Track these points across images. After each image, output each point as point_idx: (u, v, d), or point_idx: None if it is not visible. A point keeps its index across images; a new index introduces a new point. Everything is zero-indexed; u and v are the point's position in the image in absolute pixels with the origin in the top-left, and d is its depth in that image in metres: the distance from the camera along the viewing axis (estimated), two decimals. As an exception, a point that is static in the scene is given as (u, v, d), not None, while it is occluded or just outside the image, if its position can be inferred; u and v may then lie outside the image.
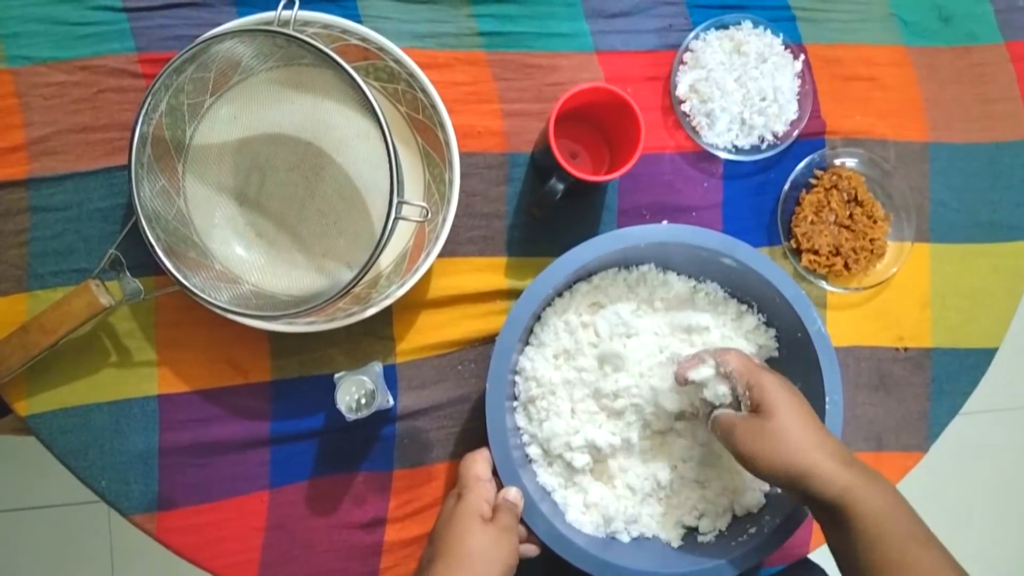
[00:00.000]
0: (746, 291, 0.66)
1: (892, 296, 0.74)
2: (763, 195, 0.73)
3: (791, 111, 0.72)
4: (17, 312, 0.64)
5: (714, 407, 0.59)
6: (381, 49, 0.63)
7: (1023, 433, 1.50)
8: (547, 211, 0.65)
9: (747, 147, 0.72)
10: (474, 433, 0.68)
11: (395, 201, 0.55)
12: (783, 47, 0.72)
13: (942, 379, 0.74)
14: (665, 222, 0.71)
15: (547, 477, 0.64)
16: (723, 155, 0.71)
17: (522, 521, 0.59)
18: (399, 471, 0.67)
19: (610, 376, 0.63)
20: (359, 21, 0.65)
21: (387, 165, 0.55)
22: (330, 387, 0.59)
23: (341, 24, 0.62)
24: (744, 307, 0.67)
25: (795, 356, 0.64)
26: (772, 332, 0.66)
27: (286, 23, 0.56)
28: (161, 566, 1.23)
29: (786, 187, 0.72)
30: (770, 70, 0.71)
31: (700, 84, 0.70)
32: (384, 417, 0.67)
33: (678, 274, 0.67)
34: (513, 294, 0.69)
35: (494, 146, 0.69)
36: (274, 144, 0.65)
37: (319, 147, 0.65)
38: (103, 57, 0.65)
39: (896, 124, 0.75)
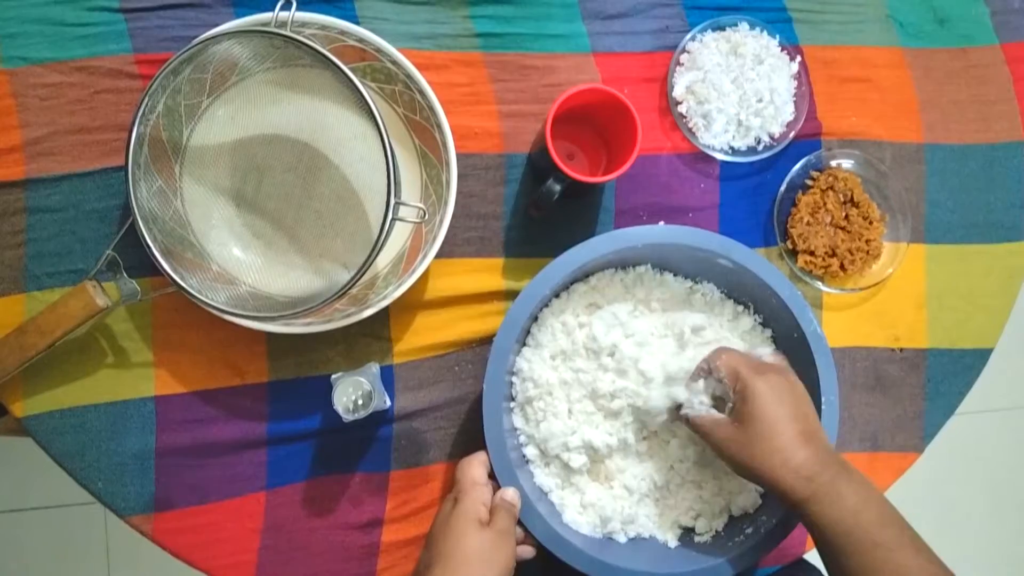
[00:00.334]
0: (742, 292, 0.66)
1: (888, 297, 0.74)
2: (759, 196, 0.73)
3: (787, 112, 0.72)
4: (14, 313, 0.64)
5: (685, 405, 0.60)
6: (378, 50, 0.63)
7: (1018, 433, 1.51)
8: (544, 212, 0.65)
9: (743, 148, 0.72)
10: (471, 434, 0.68)
11: (392, 202, 0.55)
12: (780, 48, 0.72)
13: (938, 379, 0.74)
14: (662, 223, 0.71)
15: (544, 478, 0.64)
16: (720, 156, 0.71)
17: (519, 522, 0.59)
18: (396, 472, 0.67)
19: (607, 377, 0.63)
20: (356, 22, 0.65)
21: (384, 166, 0.55)
22: (327, 388, 0.59)
23: (338, 25, 0.62)
24: (740, 308, 0.67)
25: (791, 357, 0.64)
26: (768, 332, 0.66)
27: (283, 24, 0.56)
28: (158, 567, 1.23)
29: (782, 188, 0.72)
30: (767, 71, 0.71)
31: (697, 85, 0.71)
32: (381, 418, 0.67)
33: (675, 275, 0.67)
34: (510, 295, 0.69)
35: (491, 147, 0.69)
36: (271, 145, 0.65)
37: (316, 148, 0.65)
38: (100, 58, 0.65)
39: (892, 125, 0.75)
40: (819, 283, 0.72)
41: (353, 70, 0.55)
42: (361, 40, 0.63)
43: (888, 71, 0.75)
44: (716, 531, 0.64)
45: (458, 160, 0.63)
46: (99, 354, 0.65)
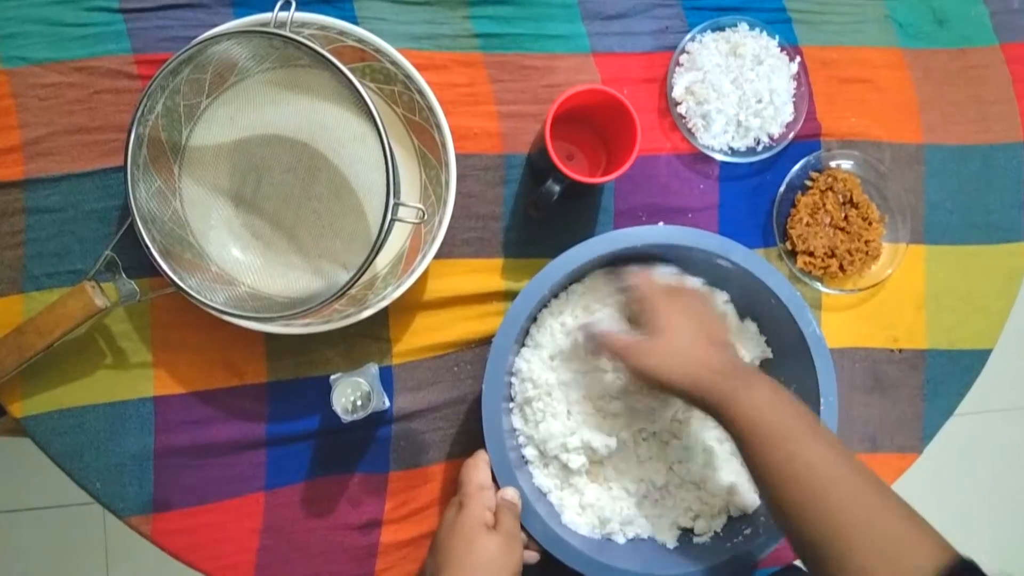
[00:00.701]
0: (741, 292, 0.66)
1: (887, 298, 0.74)
2: (759, 197, 0.73)
3: (787, 113, 0.72)
4: (12, 314, 0.64)
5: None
6: (377, 51, 0.63)
7: (1018, 434, 1.51)
8: (543, 212, 0.65)
9: (743, 149, 0.72)
10: (470, 435, 0.68)
11: (391, 203, 0.55)
12: (779, 49, 0.72)
13: (937, 380, 0.74)
14: (661, 224, 0.71)
15: (543, 479, 0.64)
16: (719, 157, 0.71)
17: (520, 526, 0.59)
18: (395, 473, 0.67)
19: (605, 377, 0.63)
20: (355, 23, 0.65)
21: (383, 166, 0.55)
22: (326, 389, 0.59)
23: (337, 25, 0.62)
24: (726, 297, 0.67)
25: (790, 358, 0.64)
26: (761, 335, 0.66)
27: (282, 24, 0.56)
28: (156, 568, 1.22)
29: (782, 189, 0.72)
30: (766, 72, 0.71)
31: (696, 86, 0.71)
32: (380, 419, 0.67)
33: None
34: (509, 295, 0.69)
35: (490, 148, 0.69)
36: (270, 145, 0.64)
37: (315, 148, 0.65)
38: (99, 58, 0.65)
39: (891, 126, 0.75)
40: (818, 284, 0.72)
41: (352, 70, 0.55)
42: (360, 40, 0.63)
43: (887, 72, 0.75)
44: (715, 532, 0.64)
45: (457, 160, 0.63)
46: (98, 355, 0.65)
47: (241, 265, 0.64)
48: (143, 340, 0.65)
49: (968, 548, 0.46)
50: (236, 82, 0.64)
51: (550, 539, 0.59)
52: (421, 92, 0.63)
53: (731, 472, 0.64)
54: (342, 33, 0.63)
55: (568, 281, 0.65)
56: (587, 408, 0.64)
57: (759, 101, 0.71)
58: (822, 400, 0.61)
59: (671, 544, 0.64)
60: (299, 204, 0.65)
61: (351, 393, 0.59)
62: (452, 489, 0.67)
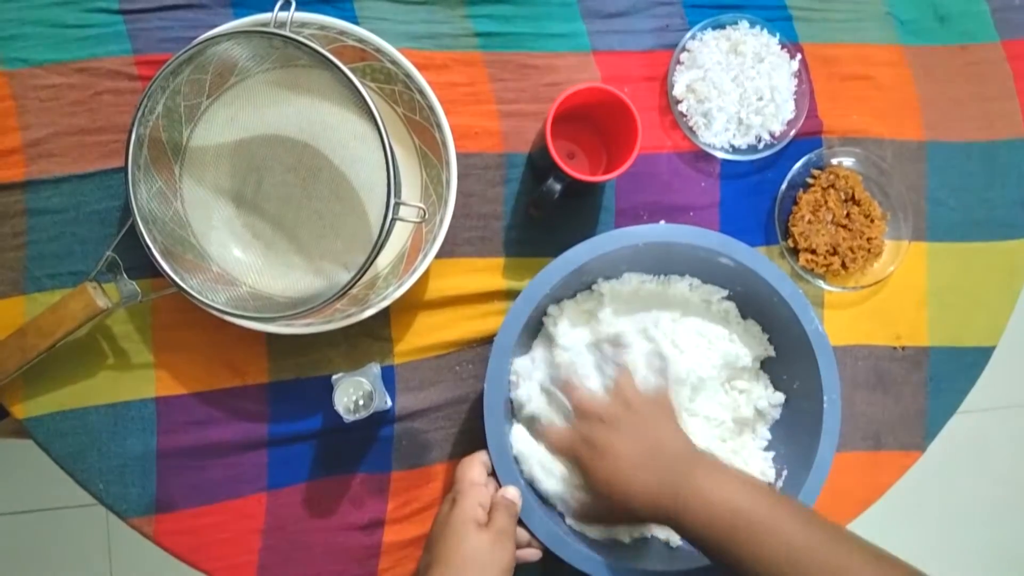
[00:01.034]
0: (743, 291, 0.66)
1: (889, 295, 0.74)
2: (760, 195, 0.73)
3: (788, 110, 0.72)
4: (14, 315, 0.64)
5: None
6: (378, 50, 0.63)
7: (1021, 431, 1.51)
8: (545, 211, 0.65)
9: (744, 147, 0.72)
10: (472, 434, 0.68)
11: (392, 202, 0.55)
12: (780, 47, 0.72)
13: (940, 378, 0.74)
14: (663, 222, 0.71)
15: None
16: (720, 155, 0.71)
17: (523, 524, 0.59)
18: (397, 472, 0.67)
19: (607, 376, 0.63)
20: (355, 22, 0.65)
21: (384, 166, 0.55)
22: (328, 389, 0.59)
23: (338, 25, 0.62)
24: (725, 300, 0.67)
25: (793, 355, 0.64)
26: (763, 333, 0.66)
27: (282, 24, 0.56)
28: (160, 569, 1.22)
29: (783, 186, 0.72)
30: (767, 70, 0.71)
31: (697, 84, 0.71)
32: (382, 418, 0.67)
33: (680, 274, 0.66)
34: (511, 295, 0.69)
35: (491, 147, 0.69)
36: (271, 146, 0.64)
37: (316, 148, 0.65)
38: (100, 59, 0.65)
39: (893, 123, 0.75)
40: (820, 281, 0.72)
41: (353, 70, 0.55)
42: (360, 40, 0.63)
43: (889, 69, 0.75)
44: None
45: (458, 160, 0.63)
46: (100, 355, 0.65)
47: (242, 265, 0.64)
48: (144, 341, 0.65)
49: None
50: (236, 82, 0.64)
51: (553, 539, 0.59)
52: (421, 91, 0.63)
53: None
54: (342, 33, 0.63)
55: (570, 283, 0.64)
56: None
57: (760, 99, 0.71)
58: (825, 398, 0.61)
59: (675, 542, 0.64)
60: (300, 204, 0.65)
61: (353, 393, 0.59)
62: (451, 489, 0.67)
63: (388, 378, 0.67)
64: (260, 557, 0.65)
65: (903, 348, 0.74)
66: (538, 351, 0.65)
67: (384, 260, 0.66)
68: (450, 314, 0.68)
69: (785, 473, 0.64)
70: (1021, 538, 1.48)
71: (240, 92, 0.64)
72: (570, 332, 0.64)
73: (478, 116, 0.69)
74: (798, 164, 0.72)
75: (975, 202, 0.76)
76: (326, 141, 0.64)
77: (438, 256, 0.63)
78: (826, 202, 0.72)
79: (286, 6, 0.57)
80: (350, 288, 0.56)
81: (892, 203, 0.73)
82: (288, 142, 0.64)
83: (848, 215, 0.72)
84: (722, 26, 0.72)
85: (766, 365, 0.67)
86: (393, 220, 0.56)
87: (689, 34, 0.71)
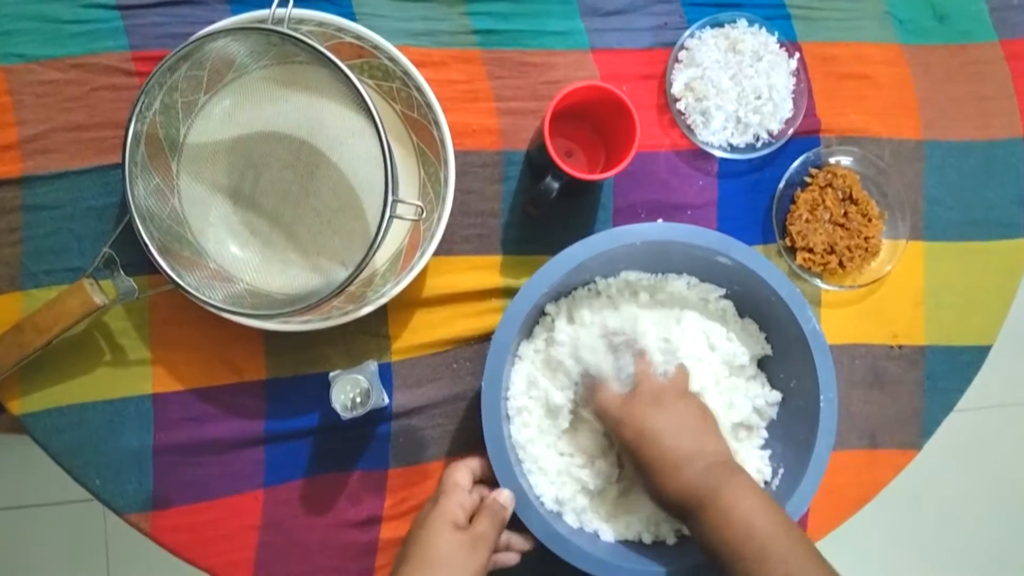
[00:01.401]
0: (741, 289, 0.66)
1: (887, 294, 0.74)
2: (758, 193, 0.73)
3: (786, 109, 0.72)
4: (11, 311, 0.64)
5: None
6: (376, 47, 0.63)
7: (1018, 430, 1.51)
8: (542, 209, 0.65)
9: (742, 145, 0.72)
10: (470, 431, 0.68)
11: (390, 199, 0.55)
12: (778, 45, 0.72)
13: (936, 376, 0.74)
14: (660, 220, 0.71)
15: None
16: (718, 153, 0.71)
17: (519, 523, 0.59)
18: (394, 470, 0.67)
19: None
20: (353, 19, 0.65)
21: (382, 163, 0.55)
22: (325, 386, 0.59)
23: (335, 22, 0.62)
24: (721, 297, 0.67)
25: (790, 354, 0.64)
26: (761, 332, 0.66)
27: (280, 21, 0.56)
28: (157, 565, 1.23)
29: (781, 185, 0.72)
30: (765, 68, 0.71)
31: (695, 82, 0.71)
32: (379, 416, 0.67)
33: (677, 273, 0.66)
34: (509, 292, 0.69)
35: (489, 144, 0.69)
36: (268, 142, 0.64)
37: (314, 145, 0.64)
38: (96, 55, 0.65)
39: (891, 122, 0.75)
40: (818, 280, 0.72)
41: (350, 67, 0.55)
42: (358, 37, 0.63)
43: (887, 68, 0.75)
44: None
45: (456, 157, 0.63)
46: (97, 352, 0.65)
47: (239, 262, 0.64)
48: (142, 337, 0.65)
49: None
50: (234, 79, 0.63)
51: (550, 536, 0.59)
52: (419, 89, 0.63)
53: None
54: (340, 30, 0.62)
55: (568, 282, 0.64)
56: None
57: (758, 97, 0.71)
58: (822, 397, 0.61)
59: (671, 540, 0.64)
60: (297, 201, 0.65)
61: (350, 390, 0.59)
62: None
63: (385, 375, 0.67)
64: (257, 553, 0.65)
65: (900, 347, 0.74)
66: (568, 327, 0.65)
67: (382, 257, 0.66)
68: (448, 312, 0.68)
69: (782, 471, 0.64)
70: (1016, 536, 1.48)
71: (238, 88, 0.64)
72: (568, 328, 0.64)
73: (476, 114, 0.69)
74: (796, 163, 0.72)
75: (973, 201, 0.76)
76: (324, 138, 0.64)
77: (436, 254, 0.63)
78: (824, 201, 0.72)
79: (284, 2, 0.56)
80: (348, 285, 0.56)
81: (890, 202, 0.73)
82: (286, 139, 0.64)
83: (846, 214, 0.72)
84: (721, 24, 0.72)
85: (763, 364, 0.68)
86: (391, 217, 0.56)
87: (688, 32, 0.71)
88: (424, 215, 0.62)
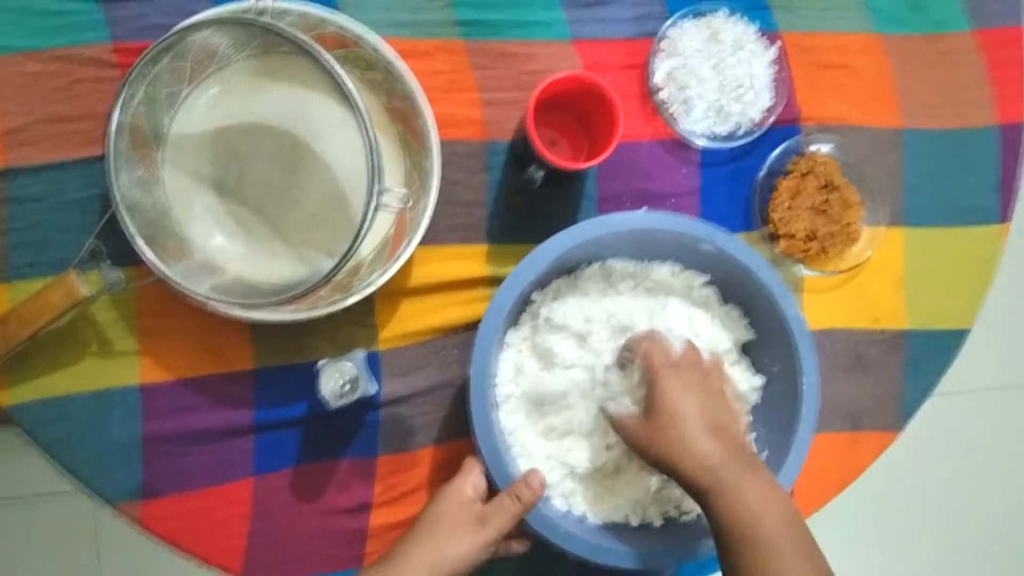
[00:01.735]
0: (724, 276, 0.67)
1: (867, 279, 0.75)
2: (740, 181, 0.74)
3: (767, 98, 0.73)
4: (-4, 304, 0.63)
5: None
6: (359, 38, 0.63)
7: (995, 413, 1.53)
8: (527, 199, 0.65)
9: (724, 134, 0.72)
10: (457, 419, 0.69)
11: (375, 189, 0.55)
12: (758, 35, 0.73)
13: (916, 360, 0.76)
14: (645, 209, 0.71)
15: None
16: (700, 142, 0.72)
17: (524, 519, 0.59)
18: (383, 457, 0.68)
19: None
20: (336, 9, 0.65)
21: (366, 154, 0.55)
22: (313, 375, 0.59)
23: (318, 13, 0.62)
24: (707, 287, 0.67)
25: (772, 339, 0.65)
26: (744, 318, 0.67)
27: (263, 12, 0.56)
28: (148, 555, 1.22)
29: (762, 173, 0.73)
30: (746, 58, 0.72)
31: (677, 72, 0.71)
32: (368, 404, 0.67)
33: (662, 260, 0.67)
34: (495, 281, 0.69)
35: (474, 134, 0.69)
36: (253, 133, 0.64)
37: (298, 136, 0.65)
38: (78, 47, 0.64)
39: (869, 111, 0.76)
40: (799, 266, 0.73)
41: (334, 57, 0.55)
42: (341, 27, 0.63)
43: (865, 57, 0.76)
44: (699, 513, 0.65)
45: (441, 147, 0.64)
46: (84, 343, 0.64)
47: (225, 253, 0.64)
48: (128, 328, 0.65)
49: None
50: (217, 70, 0.63)
51: (541, 521, 0.59)
52: (403, 79, 0.63)
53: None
54: (323, 20, 0.62)
55: (554, 270, 0.65)
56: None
57: (739, 87, 0.71)
58: (804, 380, 0.62)
59: (657, 523, 0.65)
60: (282, 191, 0.65)
61: (338, 379, 0.59)
62: (440, 472, 0.68)
63: (373, 364, 0.68)
64: (247, 541, 0.66)
65: (881, 331, 0.75)
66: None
67: (367, 247, 0.67)
68: (434, 301, 0.69)
69: (765, 454, 0.65)
70: (994, 517, 1.51)
71: (221, 79, 0.63)
72: (559, 308, 0.64)
73: (460, 104, 0.69)
74: (777, 151, 0.73)
75: (950, 189, 0.77)
76: (308, 129, 0.64)
77: (421, 243, 0.64)
78: (804, 188, 0.73)
79: (267, -7, 0.56)
80: (334, 275, 0.56)
81: (869, 189, 0.74)
82: (270, 129, 0.64)
83: (826, 201, 0.73)
84: (701, 14, 0.73)
85: (747, 349, 0.68)
86: (376, 207, 0.56)
87: (669, 22, 0.72)
88: (410, 203, 0.62)
